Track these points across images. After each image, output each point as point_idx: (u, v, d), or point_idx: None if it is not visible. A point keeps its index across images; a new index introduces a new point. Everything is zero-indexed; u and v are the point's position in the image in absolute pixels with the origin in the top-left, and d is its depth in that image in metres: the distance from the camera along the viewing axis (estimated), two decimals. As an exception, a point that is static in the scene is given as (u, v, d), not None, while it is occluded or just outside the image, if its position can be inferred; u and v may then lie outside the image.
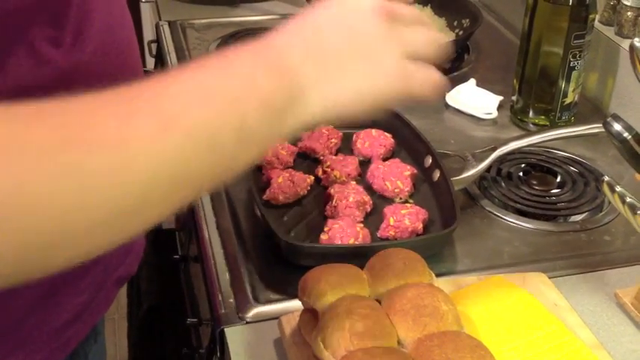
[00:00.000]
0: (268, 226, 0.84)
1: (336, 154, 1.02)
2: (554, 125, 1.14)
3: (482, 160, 0.99)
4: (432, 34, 0.57)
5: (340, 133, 1.05)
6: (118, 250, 0.73)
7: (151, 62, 1.54)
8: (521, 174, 1.05)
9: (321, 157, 1.01)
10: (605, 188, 0.76)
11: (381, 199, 0.95)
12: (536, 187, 1.02)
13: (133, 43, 0.70)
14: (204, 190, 0.49)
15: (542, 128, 1.13)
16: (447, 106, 1.21)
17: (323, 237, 0.86)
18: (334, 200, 0.91)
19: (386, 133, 1.04)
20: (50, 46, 0.56)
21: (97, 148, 0.41)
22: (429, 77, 0.57)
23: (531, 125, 1.15)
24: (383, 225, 0.89)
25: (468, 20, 1.37)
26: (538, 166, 1.06)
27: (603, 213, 0.97)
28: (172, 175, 0.44)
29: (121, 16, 0.67)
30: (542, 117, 1.15)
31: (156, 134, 0.43)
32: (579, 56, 1.09)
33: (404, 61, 0.55)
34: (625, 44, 1.13)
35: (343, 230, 0.85)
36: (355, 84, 0.53)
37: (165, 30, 1.45)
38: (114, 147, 0.42)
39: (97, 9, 0.61)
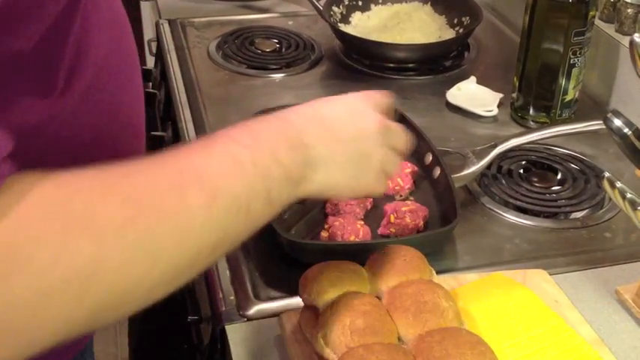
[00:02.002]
0: (269, 223, 0.84)
1: (336, 152, 1.02)
2: (554, 122, 1.13)
3: (482, 157, 0.99)
4: (407, 139, 0.69)
5: (340, 131, 1.05)
6: None
7: (150, 61, 1.54)
8: (521, 171, 1.04)
9: (322, 155, 1.01)
10: (606, 184, 0.76)
11: (381, 197, 0.95)
12: (537, 184, 1.02)
13: (133, 60, 0.67)
14: (236, 246, 0.55)
15: (542, 125, 1.13)
16: (448, 103, 1.21)
17: (323, 234, 0.86)
18: (335, 198, 0.91)
19: (386, 131, 1.04)
20: (37, 98, 0.53)
21: (164, 216, 0.47)
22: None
23: (532, 122, 1.15)
24: (383, 222, 0.89)
25: (468, 18, 1.37)
26: (538, 163, 1.06)
27: (604, 210, 0.97)
28: (218, 237, 0.51)
29: (121, 35, 0.65)
30: (543, 114, 1.15)
31: (206, 204, 0.49)
32: (579, 53, 1.09)
33: (382, 169, 0.65)
34: (625, 41, 1.13)
35: (344, 227, 0.85)
36: (351, 172, 0.62)
37: (165, 28, 1.45)
38: (176, 215, 0.47)
39: (95, 38, 0.58)
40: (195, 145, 0.53)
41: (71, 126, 0.46)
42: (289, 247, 0.84)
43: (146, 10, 1.92)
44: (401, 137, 0.67)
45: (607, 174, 0.76)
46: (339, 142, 0.61)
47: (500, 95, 1.21)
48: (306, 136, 0.58)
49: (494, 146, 1.00)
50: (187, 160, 0.51)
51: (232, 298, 0.81)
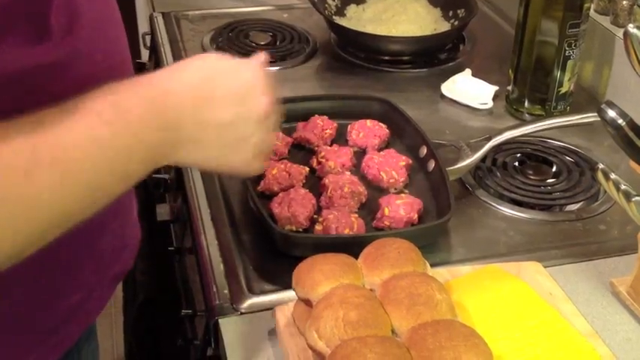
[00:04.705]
0: (262, 216, 0.84)
1: (330, 145, 1.02)
2: (549, 115, 1.13)
3: (477, 149, 0.99)
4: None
5: (335, 124, 1.04)
6: (112, 248, 0.73)
7: (145, 54, 1.53)
8: (516, 164, 1.04)
9: (316, 148, 1.01)
10: (600, 176, 0.76)
11: (375, 190, 0.95)
12: (532, 177, 1.02)
13: (121, 36, 0.69)
14: (91, 216, 0.57)
15: (537, 118, 1.13)
16: (443, 96, 1.21)
17: (318, 227, 0.86)
18: (329, 191, 0.90)
19: (381, 124, 1.04)
20: (35, 43, 0.54)
21: (11, 195, 0.49)
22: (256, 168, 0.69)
23: (527, 115, 1.15)
24: (378, 215, 0.89)
25: (463, 10, 1.37)
26: (533, 156, 1.06)
27: (599, 202, 0.97)
28: (65, 211, 0.53)
29: (108, 9, 0.67)
30: (538, 107, 1.14)
31: (53, 185, 0.51)
32: (575, 45, 1.09)
33: (258, 150, 0.66)
34: (620, 33, 1.12)
35: (338, 220, 0.84)
36: (223, 155, 0.63)
37: (159, 21, 1.44)
38: (21, 197, 0.49)
39: (83, 4, 0.60)
40: (58, 112, 0.52)
41: (59, 80, 0.47)
42: (283, 241, 0.84)
43: (140, 3, 1.91)
44: (276, 124, 0.68)
45: (601, 165, 0.76)
46: (215, 128, 0.61)
47: (496, 88, 1.20)
48: (181, 116, 0.58)
49: (489, 139, 1.00)
50: (43, 137, 0.51)
51: (226, 291, 0.80)
